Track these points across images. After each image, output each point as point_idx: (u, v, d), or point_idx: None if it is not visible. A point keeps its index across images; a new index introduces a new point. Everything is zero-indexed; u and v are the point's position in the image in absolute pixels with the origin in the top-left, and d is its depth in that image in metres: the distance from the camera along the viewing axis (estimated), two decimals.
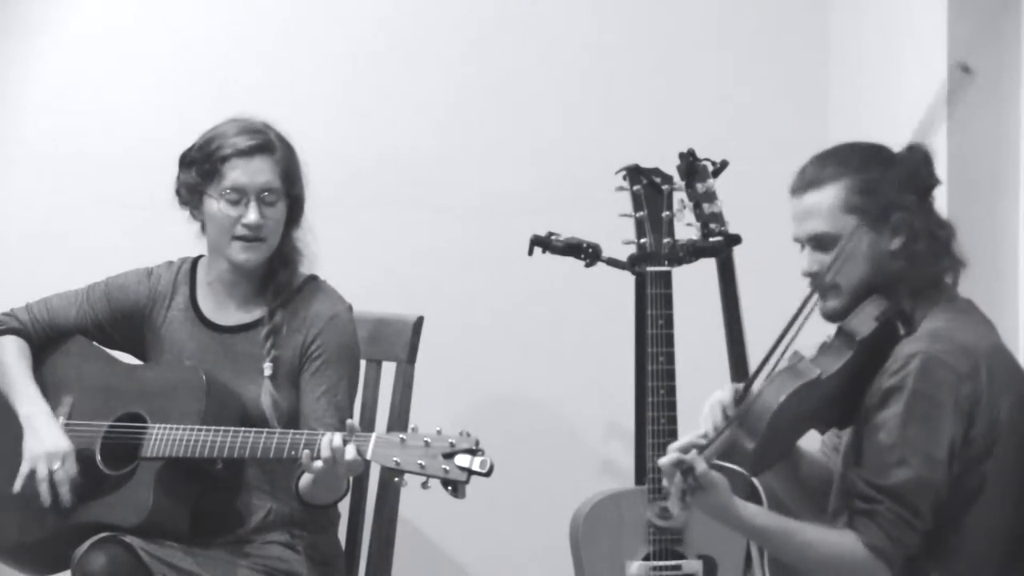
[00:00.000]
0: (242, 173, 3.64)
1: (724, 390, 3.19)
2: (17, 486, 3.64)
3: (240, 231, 3.65)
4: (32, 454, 3.63)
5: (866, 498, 3.02)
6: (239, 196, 3.64)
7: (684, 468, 2.99)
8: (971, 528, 3.04)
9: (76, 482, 3.62)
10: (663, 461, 3.03)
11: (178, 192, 3.72)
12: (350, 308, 3.76)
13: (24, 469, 3.63)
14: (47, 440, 3.64)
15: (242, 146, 3.64)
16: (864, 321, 3.08)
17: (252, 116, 3.72)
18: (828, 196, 3.11)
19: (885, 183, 3.07)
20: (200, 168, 3.67)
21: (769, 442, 3.04)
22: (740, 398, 3.14)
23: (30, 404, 3.71)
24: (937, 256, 3.10)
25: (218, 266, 3.74)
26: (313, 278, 3.77)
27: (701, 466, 3.00)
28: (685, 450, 3.04)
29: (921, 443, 2.99)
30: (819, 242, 3.13)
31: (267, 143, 3.66)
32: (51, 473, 3.61)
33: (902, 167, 3.11)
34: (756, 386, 3.09)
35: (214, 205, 3.66)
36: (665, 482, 3.03)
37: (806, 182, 3.15)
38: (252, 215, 3.63)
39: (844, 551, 3.02)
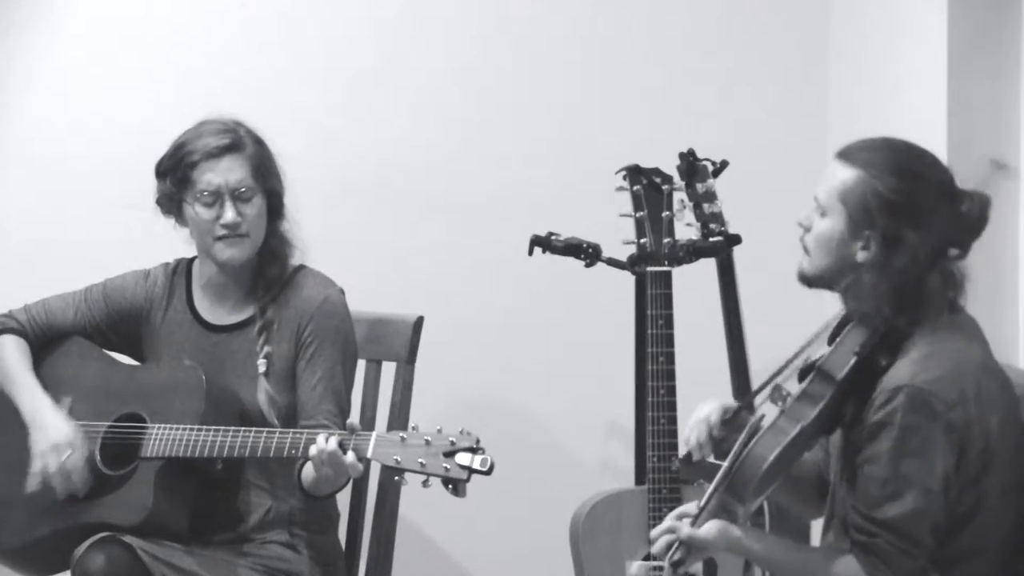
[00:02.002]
0: (213, 175, 3.64)
1: (710, 405, 3.21)
2: (34, 484, 3.64)
3: (220, 231, 3.65)
4: (41, 449, 3.64)
5: (864, 531, 3.01)
6: (214, 198, 3.64)
7: (674, 561, 3.07)
8: (972, 542, 3.02)
9: (88, 470, 3.62)
10: (655, 549, 3.11)
11: (159, 203, 3.72)
12: (342, 291, 3.75)
13: (36, 467, 3.64)
14: (53, 432, 3.64)
15: (209, 148, 3.64)
16: (842, 358, 3.05)
17: (221, 115, 3.71)
18: (841, 175, 3.07)
19: (887, 203, 3.02)
20: (173, 177, 3.67)
21: (757, 499, 3.07)
22: (729, 419, 3.15)
23: (33, 400, 3.71)
24: (897, 303, 3.03)
25: (209, 268, 3.75)
26: (301, 267, 3.77)
27: (686, 532, 3.07)
28: (676, 527, 3.10)
29: (915, 476, 2.96)
30: (816, 204, 3.12)
31: (235, 141, 3.66)
32: (62, 464, 3.61)
33: (929, 205, 3.03)
34: (757, 403, 3.10)
35: (191, 210, 3.67)
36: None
37: (846, 150, 3.11)
38: (229, 214, 3.64)
39: None
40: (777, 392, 3.06)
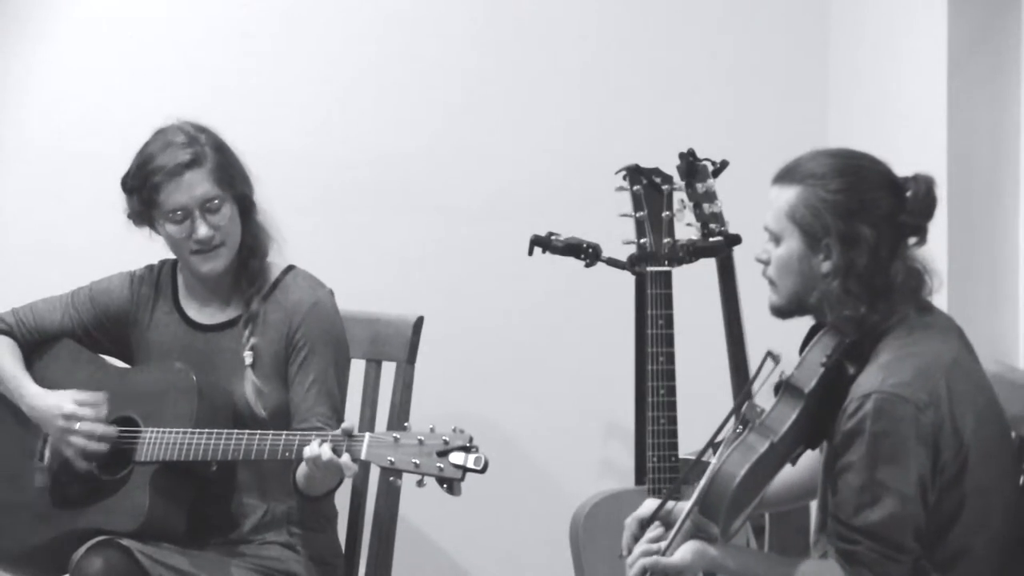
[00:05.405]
0: (178, 194, 3.62)
1: (645, 506, 3.25)
2: (80, 465, 3.62)
3: (194, 246, 3.64)
4: (57, 430, 3.63)
5: (845, 539, 3.01)
6: (183, 215, 3.63)
7: None
8: (961, 542, 3.02)
9: (104, 429, 3.61)
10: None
11: (130, 217, 3.71)
12: (331, 293, 3.76)
13: (69, 452, 3.62)
14: (56, 408, 3.64)
15: (169, 167, 3.61)
16: (810, 370, 3.04)
17: (179, 122, 3.68)
18: (784, 197, 3.08)
19: (834, 205, 3.02)
20: (140, 196, 3.66)
21: (734, 518, 3.04)
22: (656, 513, 3.18)
23: (30, 395, 3.70)
24: (871, 299, 3.03)
25: (190, 275, 3.75)
26: (290, 268, 3.77)
27: (662, 564, 3.05)
28: (648, 553, 3.09)
29: (890, 482, 2.96)
30: (769, 235, 3.13)
31: (194, 156, 3.62)
32: (82, 430, 3.60)
33: (875, 196, 3.04)
34: (713, 458, 3.08)
35: (163, 229, 3.66)
36: None
37: (781, 173, 3.12)
38: (201, 230, 3.63)
39: None
40: (750, 409, 3.05)
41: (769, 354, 3.02)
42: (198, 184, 3.62)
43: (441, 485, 3.32)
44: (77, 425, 3.61)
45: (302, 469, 3.50)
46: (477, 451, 3.30)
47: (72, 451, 3.62)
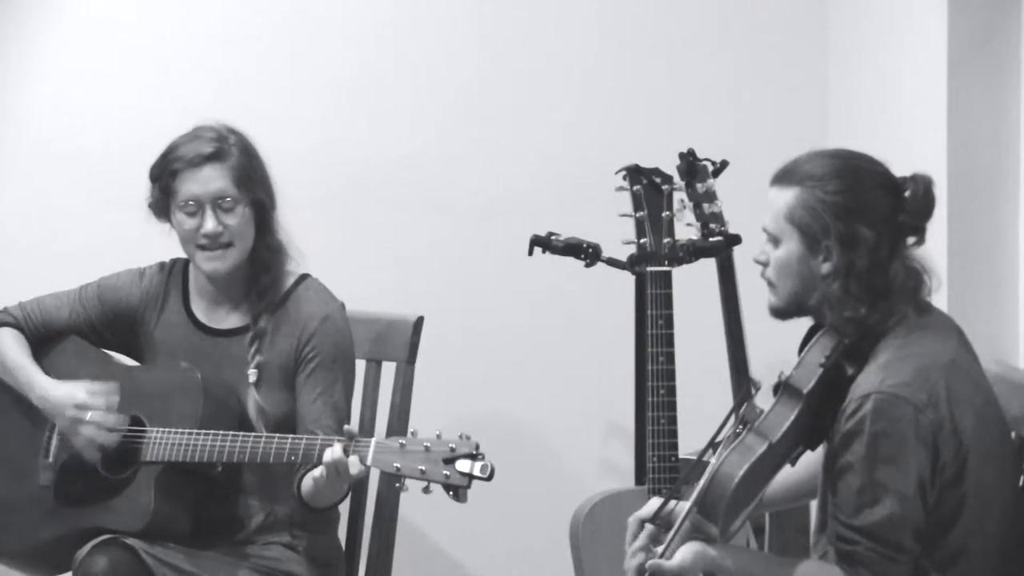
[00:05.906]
0: (193, 184, 3.62)
1: (648, 506, 3.23)
2: (92, 456, 3.61)
3: (201, 240, 3.64)
4: (68, 420, 3.62)
5: (845, 539, 3.01)
6: (195, 207, 3.63)
7: None
8: (961, 542, 3.02)
9: (115, 420, 3.60)
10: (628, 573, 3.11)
11: (150, 207, 3.71)
12: (342, 306, 3.75)
13: (79, 443, 3.61)
14: (67, 399, 3.63)
15: (190, 157, 3.62)
16: (808, 371, 3.03)
17: (215, 121, 3.68)
18: (782, 198, 3.07)
19: (833, 206, 3.02)
20: (160, 184, 3.66)
21: (732, 518, 3.04)
22: (658, 512, 3.16)
23: (40, 385, 3.69)
24: (871, 299, 3.03)
25: (201, 274, 3.75)
26: (304, 277, 3.76)
27: (664, 566, 3.03)
28: (646, 549, 3.09)
29: (890, 482, 2.95)
30: (767, 237, 3.13)
31: (218, 151, 3.63)
32: (93, 422, 3.59)
33: (874, 196, 3.04)
34: (712, 458, 3.08)
35: (175, 219, 3.66)
36: None
37: (779, 175, 3.11)
38: (209, 224, 3.62)
39: None
40: (750, 410, 3.05)
41: (750, 380, 3.04)
42: (215, 179, 3.62)
43: (447, 492, 3.31)
44: (88, 415, 3.61)
45: (307, 482, 3.50)
46: (483, 459, 3.29)
47: (82, 441, 3.62)
